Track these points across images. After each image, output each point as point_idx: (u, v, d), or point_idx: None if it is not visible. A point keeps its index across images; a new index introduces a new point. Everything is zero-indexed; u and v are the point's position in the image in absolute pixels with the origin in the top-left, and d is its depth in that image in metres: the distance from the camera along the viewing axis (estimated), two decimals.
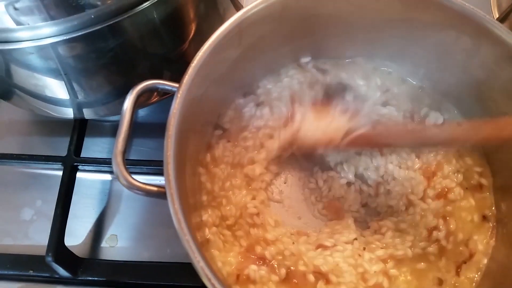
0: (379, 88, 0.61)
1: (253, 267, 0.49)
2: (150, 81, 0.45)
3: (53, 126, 0.72)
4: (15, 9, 0.43)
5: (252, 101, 0.60)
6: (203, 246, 0.50)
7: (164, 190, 0.40)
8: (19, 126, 0.73)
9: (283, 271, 0.49)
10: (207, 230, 0.52)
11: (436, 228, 0.52)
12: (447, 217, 0.53)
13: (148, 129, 0.72)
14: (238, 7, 0.69)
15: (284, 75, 0.62)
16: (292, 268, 0.49)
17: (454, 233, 0.52)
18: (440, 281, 0.51)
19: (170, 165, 0.40)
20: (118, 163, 0.41)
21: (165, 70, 0.63)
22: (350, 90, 0.61)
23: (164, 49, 0.61)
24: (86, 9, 0.47)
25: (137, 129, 0.72)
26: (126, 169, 0.41)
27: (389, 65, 0.62)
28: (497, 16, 0.69)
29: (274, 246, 0.50)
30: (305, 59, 0.62)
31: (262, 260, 0.49)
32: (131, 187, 0.41)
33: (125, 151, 0.42)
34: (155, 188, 0.41)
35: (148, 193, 0.41)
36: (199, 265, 0.37)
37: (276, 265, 0.49)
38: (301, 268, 0.49)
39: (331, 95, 0.60)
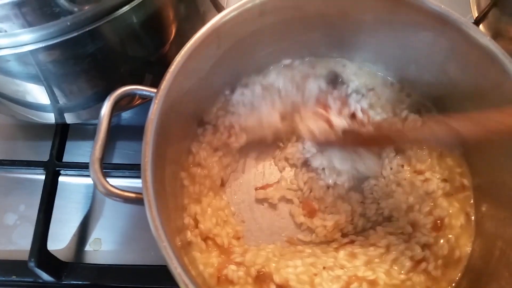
0: (364, 86, 0.62)
1: (232, 267, 0.49)
2: (128, 87, 0.45)
3: (35, 130, 0.71)
4: None
5: (236, 99, 0.61)
6: (184, 249, 0.50)
7: (142, 196, 0.40)
8: (1, 130, 0.72)
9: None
10: (188, 233, 0.52)
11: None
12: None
13: (132, 131, 0.72)
14: (219, 8, 0.68)
15: (271, 73, 0.62)
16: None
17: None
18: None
19: (147, 171, 0.41)
20: (95, 171, 0.41)
21: (147, 73, 0.63)
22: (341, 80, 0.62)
23: (145, 52, 0.60)
24: (63, 16, 0.47)
25: (120, 132, 0.72)
26: (104, 176, 0.41)
27: (371, 66, 0.63)
28: (476, 15, 0.70)
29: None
30: (286, 61, 0.62)
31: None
32: (109, 194, 0.41)
33: (103, 157, 0.42)
34: (133, 195, 0.41)
35: (126, 200, 0.41)
36: (177, 271, 0.38)
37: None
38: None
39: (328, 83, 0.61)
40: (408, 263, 0.51)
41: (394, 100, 0.62)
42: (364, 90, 0.62)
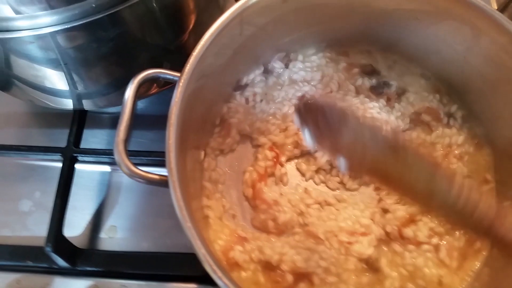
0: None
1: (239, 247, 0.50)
2: (152, 70, 0.45)
3: (52, 118, 0.71)
4: None
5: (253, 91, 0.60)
6: (203, 229, 0.50)
7: (166, 178, 0.40)
8: (18, 117, 0.72)
9: None
10: (205, 211, 0.53)
11: None
12: None
13: (147, 120, 0.72)
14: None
15: (299, 57, 0.62)
16: None
17: None
18: None
19: (172, 153, 0.40)
20: (120, 152, 0.41)
21: (165, 61, 0.63)
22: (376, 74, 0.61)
23: (164, 39, 0.60)
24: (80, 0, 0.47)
25: (136, 121, 0.71)
26: (128, 157, 0.41)
27: (393, 58, 0.62)
28: (496, 8, 0.69)
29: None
30: (311, 50, 0.62)
31: None
32: (133, 175, 0.41)
33: (127, 140, 0.42)
34: (157, 176, 0.41)
35: (150, 181, 0.41)
36: (201, 251, 0.38)
37: None
38: None
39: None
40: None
41: (420, 91, 0.61)
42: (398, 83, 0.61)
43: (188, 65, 0.45)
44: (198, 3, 0.61)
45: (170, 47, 0.62)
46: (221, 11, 0.65)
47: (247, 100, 0.59)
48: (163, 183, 0.41)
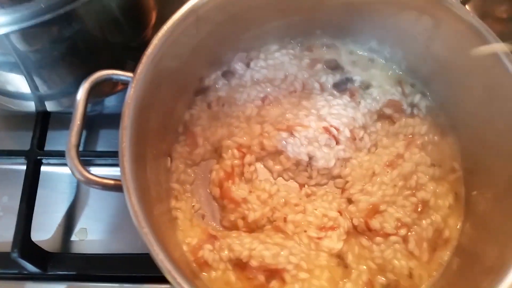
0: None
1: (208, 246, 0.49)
2: (103, 72, 0.44)
3: (17, 119, 0.70)
4: None
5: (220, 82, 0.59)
6: (169, 231, 0.50)
7: (120, 183, 0.39)
8: None
9: None
10: (174, 212, 0.52)
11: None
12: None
13: (116, 119, 0.69)
14: None
15: (262, 55, 0.60)
16: None
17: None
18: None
19: (125, 157, 0.40)
20: (72, 158, 0.40)
21: (129, 60, 0.61)
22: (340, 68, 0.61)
23: (125, 37, 0.59)
24: None
25: (104, 120, 0.71)
26: (81, 163, 0.40)
27: (357, 50, 0.61)
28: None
29: None
30: (274, 47, 0.61)
31: None
32: (87, 181, 0.40)
33: (79, 144, 0.41)
34: (112, 182, 0.40)
35: (105, 187, 0.40)
36: (158, 257, 0.37)
37: None
38: None
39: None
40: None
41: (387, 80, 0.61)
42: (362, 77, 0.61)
43: (141, 65, 0.43)
44: (159, 3, 0.59)
45: (132, 44, 0.61)
46: (183, 3, 0.64)
47: (209, 105, 0.58)
48: (119, 187, 0.40)
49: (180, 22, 0.46)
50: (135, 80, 0.42)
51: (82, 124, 0.41)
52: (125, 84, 0.60)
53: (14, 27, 0.47)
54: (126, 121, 0.41)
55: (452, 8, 0.49)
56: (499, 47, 0.46)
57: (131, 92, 0.42)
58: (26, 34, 0.47)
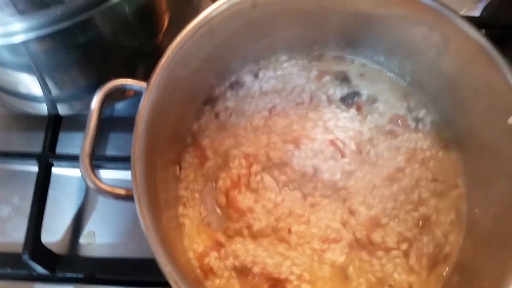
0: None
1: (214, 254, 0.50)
2: (117, 81, 0.45)
3: (29, 121, 0.71)
4: None
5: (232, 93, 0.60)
6: (176, 237, 0.51)
7: (132, 193, 0.40)
8: None
9: None
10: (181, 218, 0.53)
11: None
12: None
13: (126, 123, 0.71)
14: None
15: (271, 66, 0.61)
16: None
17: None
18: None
19: (137, 167, 0.41)
20: (85, 167, 0.41)
21: (140, 64, 0.63)
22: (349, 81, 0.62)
23: (137, 42, 0.60)
24: (54, 5, 0.46)
25: (114, 123, 0.72)
26: (94, 172, 0.41)
27: (366, 63, 0.62)
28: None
29: None
30: (283, 57, 0.62)
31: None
32: (99, 191, 0.41)
33: (93, 153, 0.42)
34: (123, 192, 0.42)
35: (116, 197, 0.41)
36: (166, 269, 0.38)
37: None
38: None
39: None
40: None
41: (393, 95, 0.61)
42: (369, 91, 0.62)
43: (155, 75, 0.45)
44: (171, 2, 0.60)
45: (145, 49, 0.62)
46: (195, 9, 0.65)
47: (217, 115, 0.59)
48: (130, 198, 0.41)
49: (193, 33, 0.47)
50: (148, 90, 0.44)
51: (95, 133, 0.43)
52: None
53: (31, 35, 0.48)
54: (139, 131, 0.42)
55: (461, 26, 0.50)
56: None
57: (144, 102, 0.43)
58: (41, 40, 0.48)
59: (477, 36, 0.49)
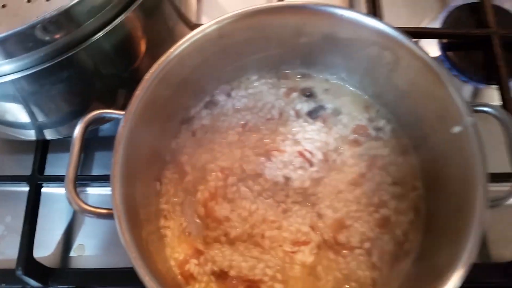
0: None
1: (194, 261, 0.55)
2: (97, 112, 0.49)
3: (18, 144, 0.75)
4: None
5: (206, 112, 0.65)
6: (159, 247, 0.56)
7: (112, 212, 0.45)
8: None
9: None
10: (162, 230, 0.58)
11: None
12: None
13: (110, 142, 0.75)
14: (187, 22, 0.72)
15: (242, 85, 0.67)
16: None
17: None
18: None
19: (116, 190, 0.45)
20: (70, 191, 0.45)
21: (120, 88, 0.67)
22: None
23: (117, 70, 0.64)
24: (39, 47, 0.50)
25: (99, 142, 0.76)
26: (78, 195, 0.46)
27: (330, 79, 0.68)
28: None
29: None
30: (253, 77, 0.67)
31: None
32: (83, 211, 0.46)
33: (76, 178, 0.47)
34: (104, 211, 0.46)
35: (99, 216, 0.46)
36: (145, 279, 0.43)
37: None
38: None
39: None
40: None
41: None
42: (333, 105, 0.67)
43: (131, 104, 0.49)
44: (148, 31, 0.64)
45: (123, 75, 0.66)
46: (171, 34, 0.70)
47: (193, 133, 0.64)
48: (111, 216, 0.46)
49: (166, 63, 0.52)
50: (125, 119, 0.48)
51: (78, 159, 0.47)
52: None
53: (18, 75, 0.52)
54: (117, 156, 0.46)
55: (409, 46, 0.56)
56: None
57: (121, 130, 0.48)
58: (27, 78, 0.52)
59: (423, 54, 0.55)
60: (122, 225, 0.44)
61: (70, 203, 0.46)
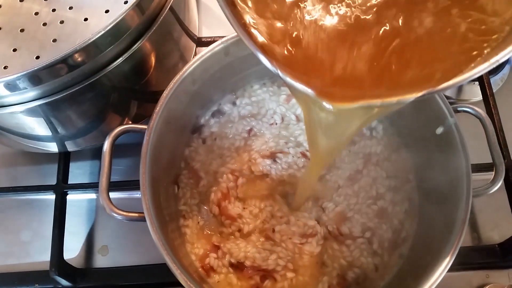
0: None
1: (213, 255, 0.62)
2: (123, 127, 0.55)
3: (41, 156, 0.80)
4: (8, 84, 0.52)
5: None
6: (180, 245, 0.62)
7: (143, 215, 0.51)
8: (11, 158, 0.81)
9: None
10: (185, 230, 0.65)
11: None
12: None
13: (124, 149, 0.81)
14: (193, 38, 0.78)
15: (246, 94, 0.73)
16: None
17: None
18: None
19: (146, 196, 0.52)
20: (104, 199, 0.51)
21: (133, 100, 0.72)
22: None
23: (132, 85, 0.69)
24: (65, 74, 0.55)
25: (115, 151, 0.81)
26: (111, 202, 0.52)
27: None
28: None
29: None
30: (256, 85, 0.73)
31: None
32: (117, 215, 0.52)
33: (109, 187, 0.53)
34: (136, 214, 0.52)
35: (131, 219, 0.52)
36: (177, 272, 0.49)
37: None
38: None
39: None
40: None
41: None
42: None
43: (152, 120, 0.55)
44: (160, 52, 0.69)
45: (136, 87, 0.72)
46: (180, 52, 0.76)
47: (204, 140, 0.70)
48: (142, 219, 0.52)
49: (178, 83, 0.58)
50: (148, 133, 0.54)
51: (109, 170, 0.53)
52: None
53: (45, 100, 0.57)
54: (144, 167, 0.53)
55: None
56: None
57: (145, 143, 0.54)
58: (55, 102, 0.57)
59: None
60: (154, 226, 0.50)
61: (105, 209, 0.52)
